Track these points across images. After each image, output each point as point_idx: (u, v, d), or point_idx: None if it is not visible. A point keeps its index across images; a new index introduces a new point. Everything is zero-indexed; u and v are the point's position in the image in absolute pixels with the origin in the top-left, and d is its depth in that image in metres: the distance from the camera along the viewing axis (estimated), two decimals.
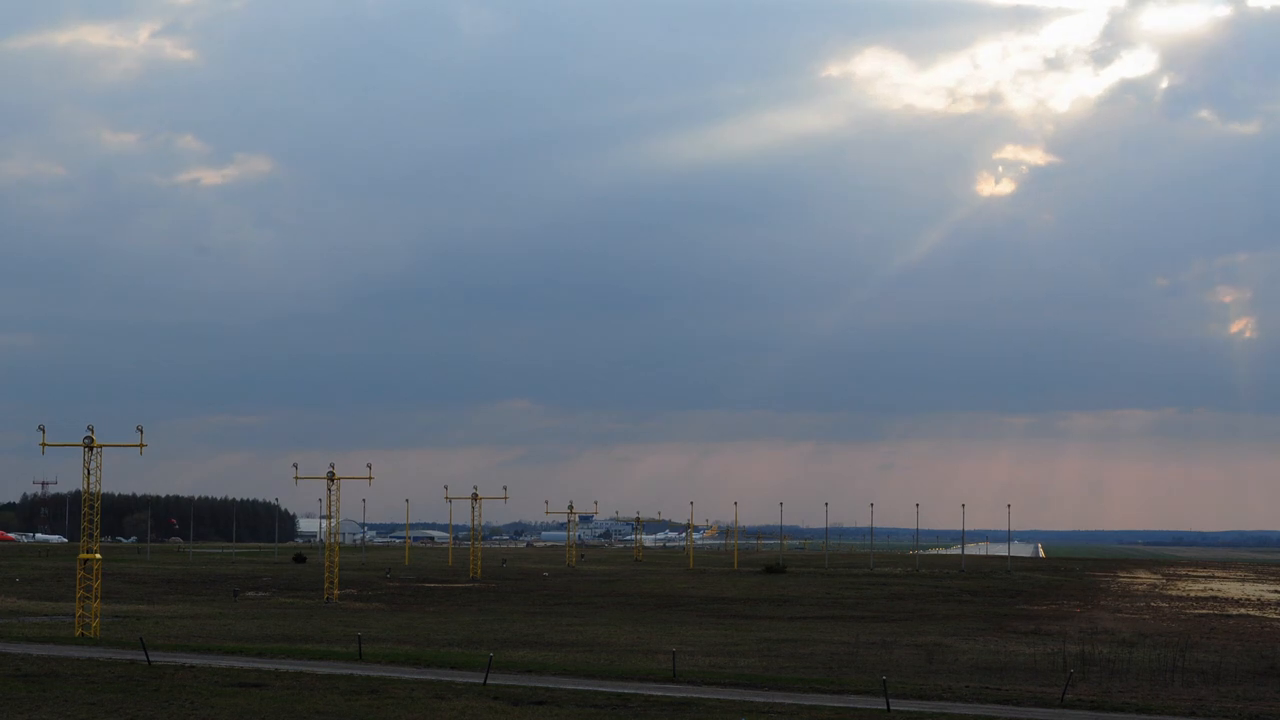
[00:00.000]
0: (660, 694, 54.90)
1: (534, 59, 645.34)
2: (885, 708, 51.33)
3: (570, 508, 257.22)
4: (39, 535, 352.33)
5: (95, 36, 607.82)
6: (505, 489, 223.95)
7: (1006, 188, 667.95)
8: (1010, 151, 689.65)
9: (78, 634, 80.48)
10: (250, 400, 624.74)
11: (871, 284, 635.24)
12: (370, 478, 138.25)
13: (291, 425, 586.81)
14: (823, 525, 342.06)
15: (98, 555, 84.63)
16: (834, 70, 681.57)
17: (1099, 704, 54.23)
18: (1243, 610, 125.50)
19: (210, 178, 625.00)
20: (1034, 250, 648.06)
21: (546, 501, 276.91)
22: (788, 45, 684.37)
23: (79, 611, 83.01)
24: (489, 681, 57.05)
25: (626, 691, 55.55)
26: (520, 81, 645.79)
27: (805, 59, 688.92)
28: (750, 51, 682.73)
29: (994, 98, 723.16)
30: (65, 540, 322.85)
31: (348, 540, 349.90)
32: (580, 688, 56.44)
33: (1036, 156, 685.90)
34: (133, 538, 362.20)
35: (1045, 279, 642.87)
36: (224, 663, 64.02)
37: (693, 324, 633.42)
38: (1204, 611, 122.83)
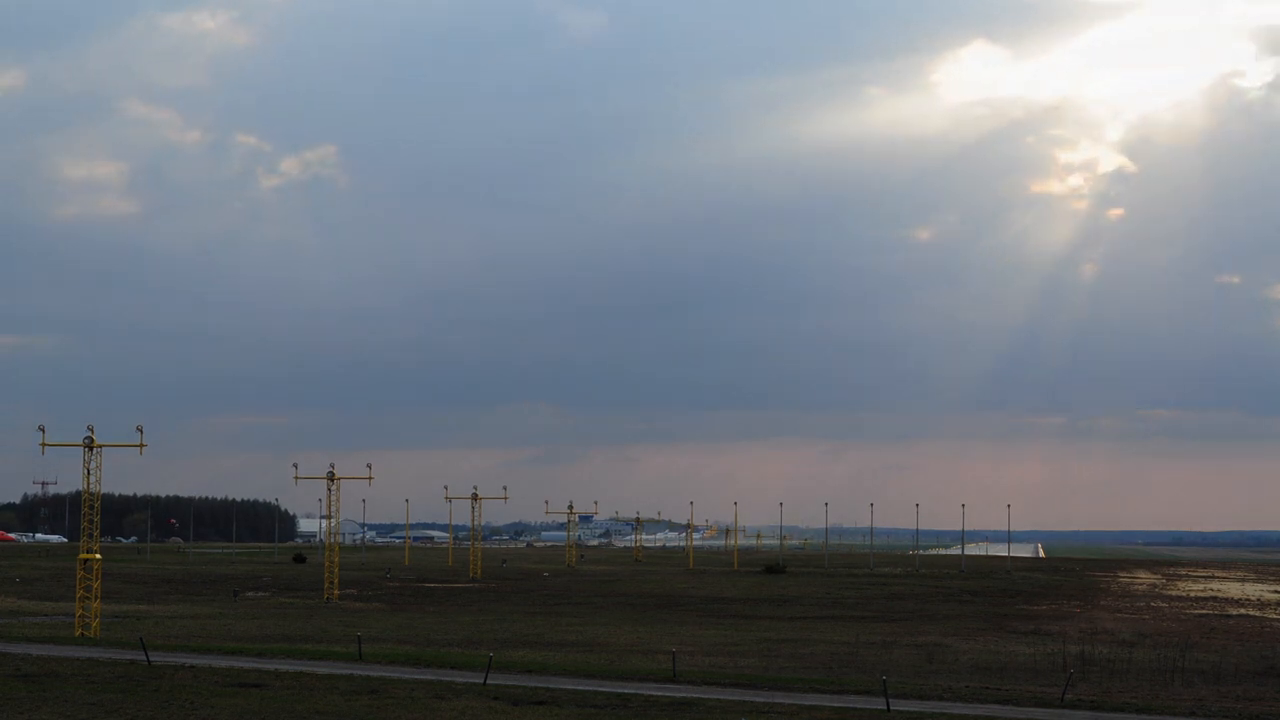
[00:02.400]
0: (660, 694, 54.87)
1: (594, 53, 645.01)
2: (885, 708, 51.30)
3: (570, 508, 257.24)
4: (39, 535, 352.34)
5: (165, 25, 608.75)
6: (505, 489, 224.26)
7: (1075, 183, 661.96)
8: (1086, 146, 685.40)
9: (78, 634, 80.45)
10: (253, 400, 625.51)
11: (903, 284, 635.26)
12: (370, 478, 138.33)
13: (292, 426, 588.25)
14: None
15: (98, 555, 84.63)
16: (911, 66, 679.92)
17: (1099, 704, 54.19)
18: (1243, 610, 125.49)
19: (268, 179, 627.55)
20: (1094, 248, 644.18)
21: (546, 502, 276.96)
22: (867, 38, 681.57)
23: (79, 611, 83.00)
24: (489, 681, 57.03)
25: (626, 691, 55.52)
26: (574, 79, 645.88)
27: (878, 53, 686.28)
28: (824, 42, 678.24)
29: (1079, 91, 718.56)
30: (65, 540, 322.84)
31: (348, 540, 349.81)
32: (580, 688, 56.42)
33: (1112, 152, 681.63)
34: (133, 538, 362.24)
35: (1101, 278, 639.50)
36: (224, 663, 64.00)
37: (713, 325, 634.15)
38: (1204, 611, 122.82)
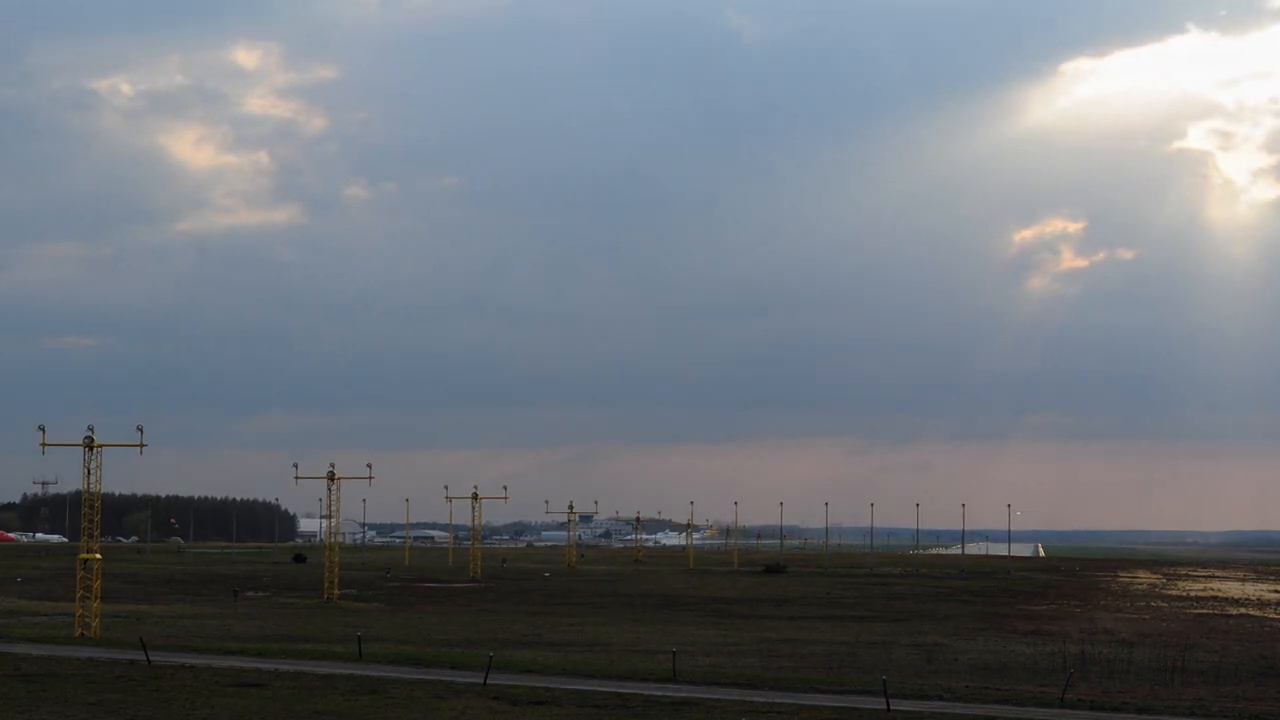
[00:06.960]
0: (660, 694, 54.91)
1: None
2: (885, 708, 51.32)
3: (570, 508, 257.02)
4: (39, 535, 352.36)
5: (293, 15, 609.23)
6: (505, 489, 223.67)
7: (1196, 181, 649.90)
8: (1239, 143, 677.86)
9: (78, 634, 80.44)
10: (265, 401, 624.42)
11: (951, 283, 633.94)
12: (370, 477, 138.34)
13: (291, 427, 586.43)
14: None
15: (98, 555, 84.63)
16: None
17: (1099, 704, 54.22)
18: (1243, 610, 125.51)
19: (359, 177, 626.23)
20: (1167, 246, 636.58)
21: (547, 501, 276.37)
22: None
23: (79, 611, 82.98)
24: (489, 681, 57.05)
25: (626, 691, 55.55)
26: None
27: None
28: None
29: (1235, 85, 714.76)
30: (65, 540, 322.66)
31: (348, 540, 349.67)
32: (580, 688, 56.45)
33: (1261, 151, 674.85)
34: (133, 538, 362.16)
35: (1162, 279, 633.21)
36: (224, 663, 64.03)
37: (727, 328, 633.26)
38: (1204, 611, 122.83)
